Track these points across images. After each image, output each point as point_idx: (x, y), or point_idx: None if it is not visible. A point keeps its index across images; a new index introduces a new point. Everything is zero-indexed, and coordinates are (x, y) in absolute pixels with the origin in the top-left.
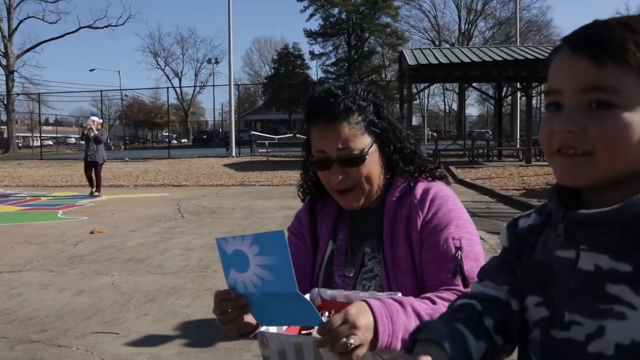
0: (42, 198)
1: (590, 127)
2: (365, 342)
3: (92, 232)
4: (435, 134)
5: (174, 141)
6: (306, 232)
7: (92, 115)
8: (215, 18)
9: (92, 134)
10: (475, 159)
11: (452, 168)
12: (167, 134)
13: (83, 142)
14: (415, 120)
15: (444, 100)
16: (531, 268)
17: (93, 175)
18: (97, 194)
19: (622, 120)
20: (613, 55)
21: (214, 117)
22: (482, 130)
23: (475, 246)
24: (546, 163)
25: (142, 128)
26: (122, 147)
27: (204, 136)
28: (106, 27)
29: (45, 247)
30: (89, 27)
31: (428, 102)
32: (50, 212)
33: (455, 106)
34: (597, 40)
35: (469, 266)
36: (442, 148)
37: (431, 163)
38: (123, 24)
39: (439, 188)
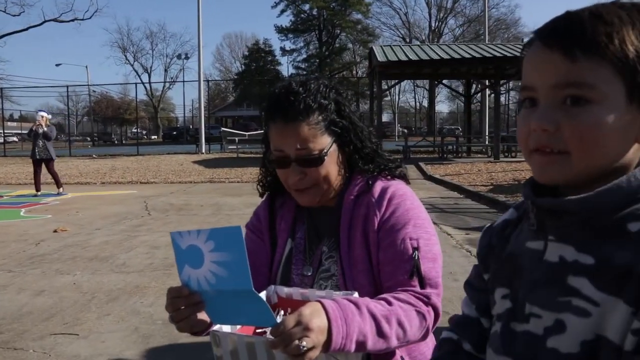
0: (4, 196)
1: (565, 125)
2: (318, 344)
3: (55, 231)
4: (405, 131)
5: (145, 137)
6: (265, 229)
7: (40, 111)
8: (185, 13)
9: (41, 130)
10: (445, 156)
11: (422, 164)
12: (136, 130)
13: (29, 139)
14: (386, 117)
15: (414, 97)
16: (502, 260)
17: (44, 174)
18: (61, 190)
19: (596, 116)
20: (585, 49)
21: (184, 113)
22: (453, 127)
23: (433, 246)
24: (514, 159)
25: (111, 124)
26: (91, 143)
27: (174, 132)
28: (72, 20)
29: (5, 247)
30: (55, 20)
31: (399, 98)
32: (12, 211)
33: (425, 103)
34: (568, 33)
35: (426, 267)
36: (412, 144)
37: (392, 162)
38: (90, 17)
39: (397, 187)
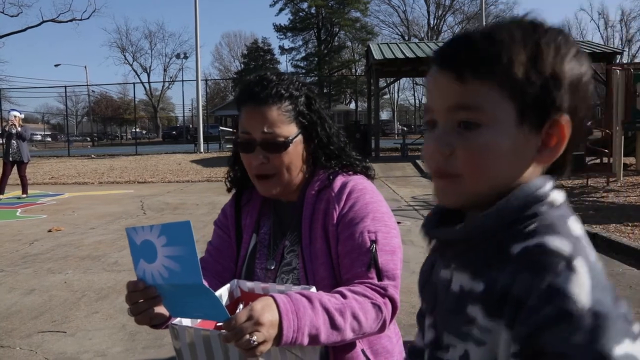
0: (1, 197)
1: (458, 148)
2: (269, 338)
3: (49, 231)
4: (405, 128)
5: (147, 138)
6: (231, 225)
7: (12, 110)
8: (184, 12)
9: (14, 130)
10: None
11: (419, 162)
12: (135, 130)
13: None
14: (385, 115)
15: (414, 95)
16: (427, 289)
17: (16, 175)
18: (24, 195)
19: (486, 139)
20: (475, 71)
21: (184, 112)
22: None
23: (392, 239)
24: None
25: (110, 124)
26: (90, 143)
27: (174, 132)
28: (71, 20)
29: None
30: (53, 20)
31: (398, 96)
32: (8, 211)
33: (425, 101)
34: (459, 55)
35: (383, 259)
36: (410, 142)
37: (358, 160)
38: (88, 17)
39: (357, 181)
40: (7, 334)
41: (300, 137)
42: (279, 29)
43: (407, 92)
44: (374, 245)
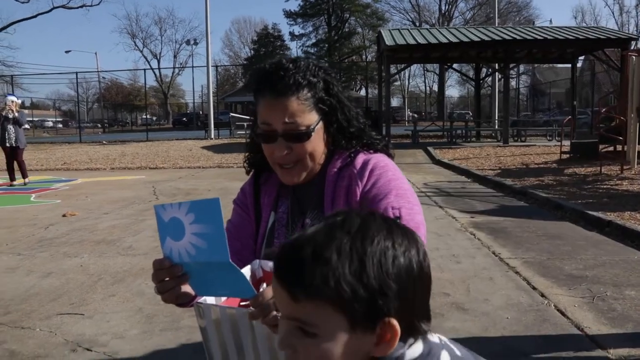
0: (14, 183)
1: (299, 352)
2: None
3: (64, 215)
4: (415, 115)
5: (157, 124)
6: (250, 203)
7: (9, 95)
8: None
9: (11, 115)
10: (454, 140)
11: (430, 149)
12: (146, 116)
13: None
14: (396, 102)
15: (424, 82)
16: None
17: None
18: (25, 181)
19: (323, 349)
20: (305, 292)
21: (194, 99)
22: (463, 112)
23: (416, 215)
24: (523, 144)
25: (121, 111)
26: (101, 130)
27: (184, 119)
28: (81, 7)
29: (15, 231)
30: (63, 7)
31: (409, 83)
32: (22, 196)
33: (436, 87)
34: (290, 275)
35: None
36: (421, 129)
37: (379, 140)
38: (99, 3)
39: (379, 159)
40: (27, 315)
41: (321, 123)
42: (289, 14)
43: (417, 78)
44: (399, 221)
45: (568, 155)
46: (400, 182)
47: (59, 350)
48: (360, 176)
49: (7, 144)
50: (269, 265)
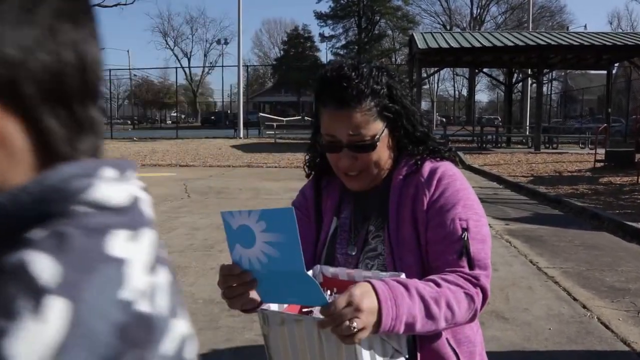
0: None
1: None
2: (369, 325)
3: None
4: (444, 119)
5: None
6: (310, 207)
7: None
8: None
9: None
10: (484, 145)
11: (460, 153)
12: (175, 114)
13: None
14: (424, 105)
15: (453, 86)
16: None
17: None
18: None
19: None
20: None
21: (223, 98)
22: (492, 117)
23: (482, 228)
24: (555, 150)
25: (150, 108)
26: (131, 126)
27: (213, 117)
28: (116, 5)
29: None
30: (99, 5)
31: (438, 87)
32: None
33: (465, 92)
34: None
35: (475, 248)
36: (451, 133)
37: (443, 145)
38: (132, 2)
39: (446, 167)
40: None
41: (386, 131)
42: (319, 16)
43: (446, 82)
44: (466, 233)
45: (602, 164)
46: (467, 192)
47: None
48: (428, 185)
49: None
50: (330, 270)
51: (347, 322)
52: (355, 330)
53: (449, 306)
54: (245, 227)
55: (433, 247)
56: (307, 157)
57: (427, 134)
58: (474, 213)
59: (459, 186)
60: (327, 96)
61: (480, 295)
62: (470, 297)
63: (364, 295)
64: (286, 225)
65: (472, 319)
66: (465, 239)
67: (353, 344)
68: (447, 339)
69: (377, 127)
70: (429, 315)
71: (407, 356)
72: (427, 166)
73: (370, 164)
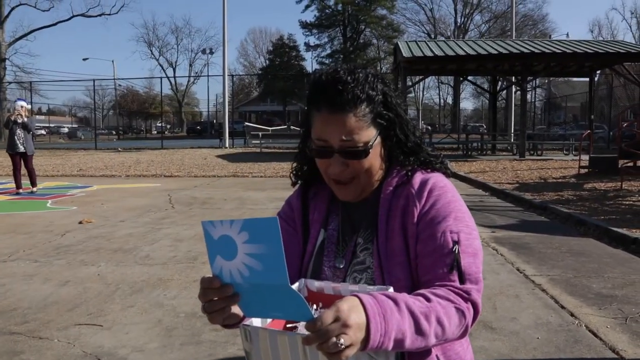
0: (20, 190)
1: None
2: (356, 341)
3: (80, 222)
4: (429, 127)
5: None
6: (297, 218)
7: (20, 99)
8: (210, 8)
9: (20, 120)
10: (469, 153)
11: (446, 161)
12: (161, 124)
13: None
14: (410, 114)
15: (439, 94)
16: None
17: (22, 169)
18: (34, 190)
19: None
20: None
21: (208, 107)
22: (477, 124)
23: (474, 241)
24: (540, 157)
25: (135, 118)
26: (116, 137)
27: (198, 127)
28: (100, 15)
29: (32, 237)
30: (83, 15)
31: (423, 95)
32: (39, 202)
33: (450, 100)
34: None
35: (466, 261)
36: (436, 141)
37: (434, 157)
38: (117, 12)
39: (437, 179)
40: (45, 325)
41: (379, 138)
42: (304, 25)
43: (432, 90)
44: (457, 246)
45: (587, 170)
46: (459, 204)
47: None
48: (419, 196)
49: (17, 150)
50: (315, 284)
51: (334, 339)
52: (343, 347)
53: (439, 322)
54: (227, 238)
55: (423, 261)
56: (294, 165)
57: (419, 145)
58: (465, 226)
59: (450, 198)
60: (321, 100)
61: (472, 310)
62: (461, 313)
63: (351, 310)
64: (270, 236)
65: (462, 335)
66: (456, 252)
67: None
68: (436, 355)
69: (370, 134)
70: (419, 331)
71: None
72: (418, 177)
73: (361, 171)
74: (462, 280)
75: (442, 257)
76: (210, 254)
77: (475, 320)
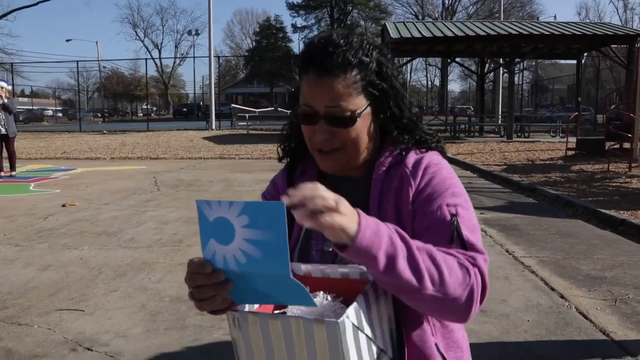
0: (1, 173)
1: None
2: (348, 212)
3: (64, 205)
4: (417, 109)
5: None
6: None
7: (0, 80)
8: None
9: (1, 102)
10: (457, 135)
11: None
12: (146, 106)
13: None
14: None
15: (426, 76)
16: None
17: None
18: (13, 173)
19: None
20: None
21: (195, 90)
22: (464, 107)
23: (472, 217)
24: (527, 139)
25: (121, 100)
26: (101, 119)
27: (185, 109)
28: None
29: (13, 221)
30: None
31: (410, 77)
32: (21, 185)
33: (437, 82)
34: None
35: (466, 233)
36: (424, 123)
37: (430, 135)
38: None
39: (432, 157)
40: (25, 311)
41: (369, 109)
42: (291, 6)
43: (419, 72)
44: (455, 218)
45: (574, 152)
46: (455, 181)
47: (58, 349)
48: (414, 175)
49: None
50: (302, 268)
51: (327, 194)
52: (334, 204)
53: (435, 264)
54: (224, 221)
55: (420, 238)
56: (282, 141)
57: (415, 122)
58: (463, 201)
59: (446, 174)
60: (310, 62)
61: (479, 276)
62: (465, 270)
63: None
64: (274, 223)
65: (468, 301)
66: (455, 223)
67: (327, 230)
68: (436, 343)
69: (359, 103)
70: (412, 261)
71: (391, 355)
72: (412, 157)
73: (347, 142)
74: (465, 249)
75: (440, 230)
76: (203, 237)
77: (485, 297)
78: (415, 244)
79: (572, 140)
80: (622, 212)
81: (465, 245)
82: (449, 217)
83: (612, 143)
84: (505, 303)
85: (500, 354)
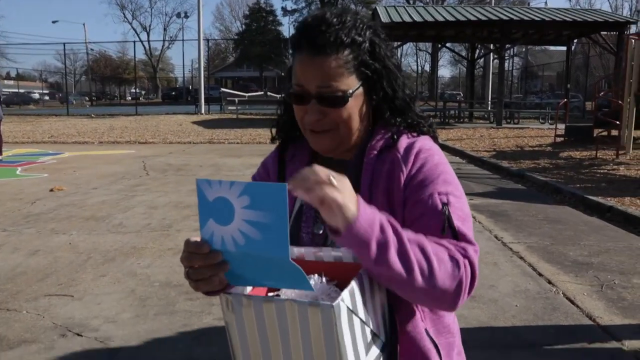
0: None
1: None
2: (347, 190)
3: (51, 190)
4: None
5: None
6: (273, 181)
7: None
8: None
9: None
10: (447, 120)
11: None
12: (135, 90)
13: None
14: None
15: (416, 61)
16: None
17: None
18: (1, 157)
19: None
20: None
21: (184, 73)
22: (454, 92)
23: (464, 205)
24: (516, 125)
25: (109, 84)
26: (89, 103)
27: (173, 93)
28: None
29: (0, 205)
30: None
31: (401, 62)
32: (8, 169)
33: (427, 67)
34: None
35: (458, 223)
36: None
37: (423, 119)
38: None
39: (424, 142)
40: (13, 296)
41: (361, 89)
42: None
43: (409, 57)
44: (446, 207)
45: (562, 139)
46: (446, 167)
47: (47, 334)
48: (405, 160)
49: None
50: (295, 251)
51: (325, 171)
52: (334, 180)
53: (425, 255)
54: (224, 200)
55: (411, 227)
56: (274, 121)
57: (408, 104)
58: (454, 188)
59: (438, 160)
60: (302, 41)
61: (469, 268)
62: (455, 262)
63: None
64: (275, 204)
65: (456, 293)
66: (447, 213)
67: (326, 207)
68: (425, 329)
69: (351, 83)
70: (403, 254)
71: (384, 340)
72: (404, 141)
73: (338, 122)
74: (456, 239)
75: (431, 220)
76: (202, 216)
77: (474, 287)
78: (406, 235)
79: (561, 127)
80: (609, 198)
81: (457, 235)
82: (440, 207)
83: (600, 130)
84: (493, 288)
85: (488, 338)
